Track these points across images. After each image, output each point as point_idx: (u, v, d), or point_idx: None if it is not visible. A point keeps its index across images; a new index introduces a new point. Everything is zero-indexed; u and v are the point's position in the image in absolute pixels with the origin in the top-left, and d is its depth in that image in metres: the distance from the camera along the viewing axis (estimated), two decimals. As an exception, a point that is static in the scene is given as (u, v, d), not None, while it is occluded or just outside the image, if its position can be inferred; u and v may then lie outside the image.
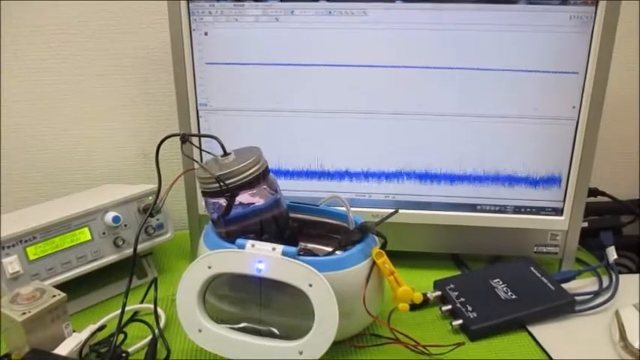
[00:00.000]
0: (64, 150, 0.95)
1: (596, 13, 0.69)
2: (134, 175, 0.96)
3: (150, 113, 0.94)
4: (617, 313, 0.68)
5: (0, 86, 0.89)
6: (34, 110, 0.92)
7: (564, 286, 0.73)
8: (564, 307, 0.70)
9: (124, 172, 0.96)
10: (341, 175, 0.79)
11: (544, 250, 0.80)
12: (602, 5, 0.68)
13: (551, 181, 0.77)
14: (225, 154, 0.62)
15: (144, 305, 0.71)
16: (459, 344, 0.65)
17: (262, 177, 0.62)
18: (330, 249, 0.69)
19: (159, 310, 0.69)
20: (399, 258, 0.65)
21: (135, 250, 0.64)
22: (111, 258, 0.73)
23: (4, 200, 0.95)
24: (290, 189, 0.79)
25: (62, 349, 0.60)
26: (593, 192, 0.90)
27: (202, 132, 0.78)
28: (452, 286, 0.74)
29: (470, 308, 0.69)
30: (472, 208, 0.79)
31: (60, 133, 0.94)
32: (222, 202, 0.61)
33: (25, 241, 0.67)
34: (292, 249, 0.58)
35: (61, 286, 0.65)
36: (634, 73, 0.94)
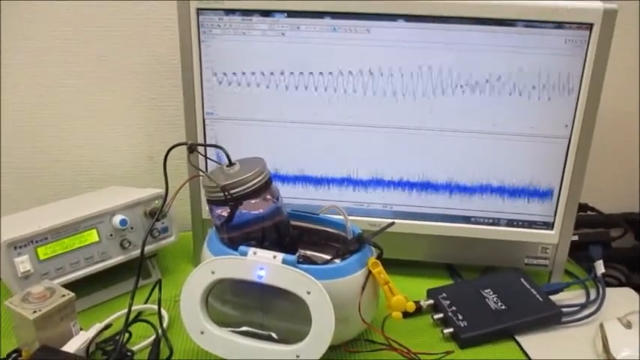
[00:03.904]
0: (70, 151, 0.97)
1: (590, 37, 0.71)
2: (140, 178, 0.99)
3: (155, 117, 0.96)
4: (601, 326, 0.71)
5: (0, 87, 0.91)
6: (41, 112, 0.94)
7: (552, 297, 0.75)
8: (551, 318, 0.73)
9: (129, 175, 0.99)
10: (340, 184, 0.81)
11: (534, 262, 0.82)
12: (595, 30, 0.71)
13: (543, 196, 0.79)
14: (231, 163, 0.64)
15: (147, 306, 0.74)
16: (448, 352, 0.68)
17: (265, 187, 0.65)
18: (328, 257, 0.71)
19: (162, 310, 0.71)
20: (395, 266, 0.67)
21: (142, 254, 0.66)
22: (117, 259, 0.76)
23: (12, 199, 0.97)
24: (291, 196, 0.81)
25: (70, 347, 0.63)
26: (583, 207, 0.93)
27: (208, 140, 0.80)
28: (444, 295, 0.76)
29: (461, 317, 0.72)
30: (467, 220, 0.82)
31: (67, 135, 0.96)
32: (226, 210, 0.64)
33: (37, 242, 0.70)
34: (292, 257, 0.60)
35: (68, 285, 0.68)
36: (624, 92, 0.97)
